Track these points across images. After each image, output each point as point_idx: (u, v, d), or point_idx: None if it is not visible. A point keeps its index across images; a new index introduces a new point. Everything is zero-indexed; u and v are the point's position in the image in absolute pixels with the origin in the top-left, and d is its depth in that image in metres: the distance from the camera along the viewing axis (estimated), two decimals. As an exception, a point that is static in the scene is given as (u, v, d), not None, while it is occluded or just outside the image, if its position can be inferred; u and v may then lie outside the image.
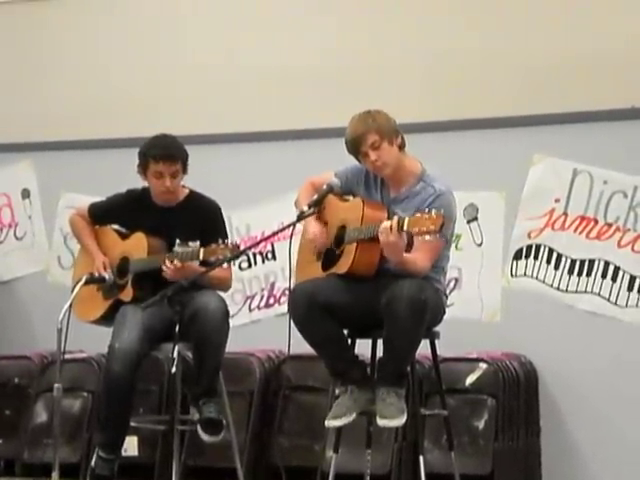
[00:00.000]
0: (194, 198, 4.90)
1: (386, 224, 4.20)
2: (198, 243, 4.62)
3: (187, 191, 4.91)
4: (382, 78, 5.99)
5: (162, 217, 4.84)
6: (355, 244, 4.41)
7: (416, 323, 4.27)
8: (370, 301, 4.34)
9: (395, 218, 4.21)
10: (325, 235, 4.52)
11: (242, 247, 5.52)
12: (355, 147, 4.44)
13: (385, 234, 4.20)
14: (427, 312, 4.30)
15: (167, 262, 4.62)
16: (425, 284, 4.37)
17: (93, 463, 4.80)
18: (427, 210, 4.16)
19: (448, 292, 5.15)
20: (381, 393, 4.36)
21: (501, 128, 5.83)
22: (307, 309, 4.37)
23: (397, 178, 4.50)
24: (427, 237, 4.11)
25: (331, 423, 4.47)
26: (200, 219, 4.82)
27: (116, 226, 4.97)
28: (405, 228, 4.16)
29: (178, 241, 4.68)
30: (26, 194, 6.76)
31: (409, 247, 4.30)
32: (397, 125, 4.50)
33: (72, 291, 4.62)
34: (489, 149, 5.83)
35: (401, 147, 4.50)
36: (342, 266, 4.45)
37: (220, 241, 4.56)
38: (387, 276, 4.39)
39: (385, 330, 4.33)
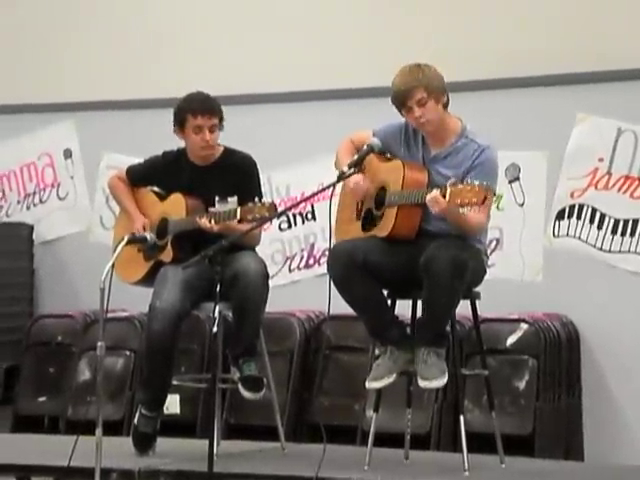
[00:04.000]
0: (229, 154, 4.90)
1: (434, 195, 4.15)
2: (236, 198, 4.64)
3: (222, 148, 4.91)
4: (423, 36, 5.93)
5: (198, 176, 4.85)
6: (396, 208, 4.38)
7: (456, 282, 4.26)
8: (409, 262, 4.33)
9: (437, 190, 4.15)
10: (367, 182, 4.46)
11: (281, 207, 5.54)
12: (401, 100, 4.40)
13: (434, 205, 4.16)
14: (467, 271, 4.28)
15: (205, 220, 4.64)
16: (465, 244, 4.35)
17: (136, 420, 4.85)
18: (469, 182, 4.11)
19: (489, 252, 5.13)
20: (421, 354, 4.36)
21: (544, 86, 5.76)
22: (345, 268, 4.37)
23: (438, 136, 4.46)
24: (468, 209, 4.07)
25: (372, 385, 4.47)
26: (235, 174, 4.83)
27: (154, 188, 4.98)
28: (447, 199, 4.12)
29: (217, 198, 4.69)
30: (68, 154, 6.79)
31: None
32: (444, 83, 4.46)
33: (114, 251, 4.64)
34: (532, 108, 5.77)
35: (445, 106, 4.46)
36: (383, 229, 4.43)
37: (257, 200, 4.57)
38: (427, 237, 4.38)
39: (424, 290, 4.31)
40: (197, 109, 4.78)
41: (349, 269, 4.36)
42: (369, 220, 4.52)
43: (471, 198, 4.07)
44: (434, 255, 4.25)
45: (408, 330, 4.53)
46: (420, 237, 4.40)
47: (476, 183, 4.09)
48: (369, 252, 4.39)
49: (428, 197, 4.19)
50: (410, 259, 4.33)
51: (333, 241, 4.51)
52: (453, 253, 4.25)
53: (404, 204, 4.36)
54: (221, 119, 4.85)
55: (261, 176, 4.94)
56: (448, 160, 4.43)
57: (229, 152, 4.92)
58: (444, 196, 4.14)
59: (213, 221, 4.63)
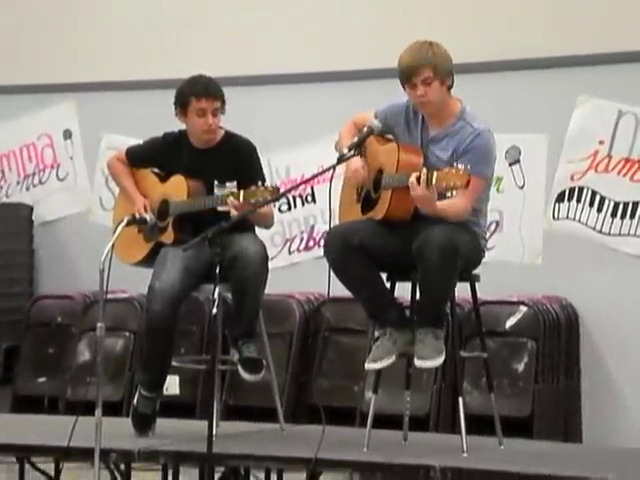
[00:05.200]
0: (229, 138, 4.89)
1: (413, 178, 4.17)
2: (235, 184, 4.63)
3: (223, 132, 4.90)
4: (426, 19, 5.92)
5: (199, 159, 4.84)
6: (390, 191, 4.38)
7: (447, 269, 4.24)
8: (405, 244, 4.31)
9: (424, 172, 4.16)
10: (366, 169, 4.46)
11: (282, 189, 5.53)
12: (406, 76, 4.35)
13: (412, 188, 4.17)
14: (458, 257, 4.25)
15: (232, 198, 4.59)
16: (457, 229, 4.31)
17: (135, 401, 4.85)
18: (455, 165, 4.11)
19: (489, 235, 5.12)
20: (419, 334, 4.36)
21: (545, 69, 5.76)
22: (341, 250, 4.36)
23: (438, 117, 4.43)
24: (453, 192, 4.06)
25: (371, 366, 4.47)
26: (235, 158, 4.82)
27: (154, 169, 4.98)
28: (433, 182, 4.12)
29: (216, 183, 4.68)
30: (68, 135, 6.79)
31: (442, 197, 4.25)
32: (452, 64, 4.43)
33: (114, 232, 4.63)
34: (533, 90, 5.77)
35: (449, 88, 4.44)
36: (378, 212, 4.43)
37: (260, 183, 4.56)
38: (424, 220, 4.36)
39: (419, 274, 4.31)
40: (201, 92, 4.77)
41: (345, 251, 4.35)
42: (368, 203, 4.52)
43: (455, 181, 4.06)
44: (425, 241, 4.24)
45: (407, 312, 4.53)
46: (417, 220, 4.38)
47: (460, 167, 4.08)
48: (365, 235, 4.38)
49: (409, 180, 4.19)
50: (406, 242, 4.31)
51: (335, 222, 4.51)
52: (443, 238, 4.22)
53: (397, 187, 4.35)
54: (223, 103, 4.84)
55: (261, 158, 4.94)
56: (444, 142, 4.40)
57: (229, 136, 4.91)
58: (430, 180, 4.13)
59: (232, 198, 4.56)
